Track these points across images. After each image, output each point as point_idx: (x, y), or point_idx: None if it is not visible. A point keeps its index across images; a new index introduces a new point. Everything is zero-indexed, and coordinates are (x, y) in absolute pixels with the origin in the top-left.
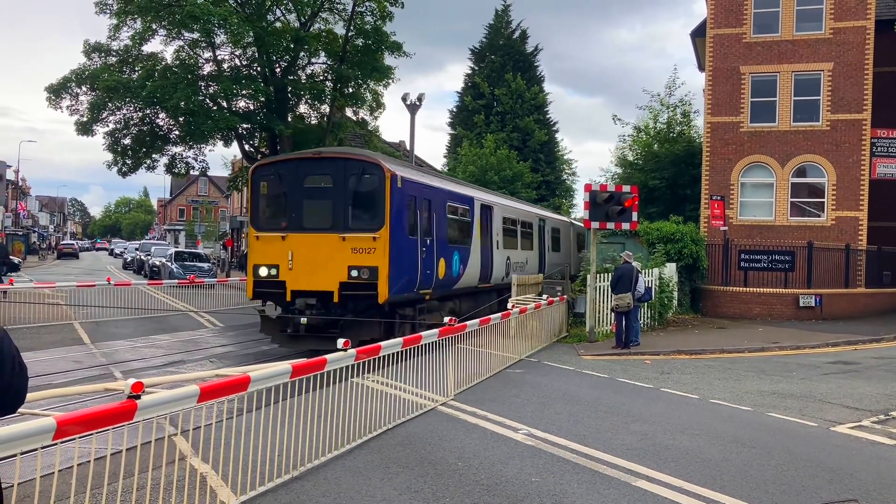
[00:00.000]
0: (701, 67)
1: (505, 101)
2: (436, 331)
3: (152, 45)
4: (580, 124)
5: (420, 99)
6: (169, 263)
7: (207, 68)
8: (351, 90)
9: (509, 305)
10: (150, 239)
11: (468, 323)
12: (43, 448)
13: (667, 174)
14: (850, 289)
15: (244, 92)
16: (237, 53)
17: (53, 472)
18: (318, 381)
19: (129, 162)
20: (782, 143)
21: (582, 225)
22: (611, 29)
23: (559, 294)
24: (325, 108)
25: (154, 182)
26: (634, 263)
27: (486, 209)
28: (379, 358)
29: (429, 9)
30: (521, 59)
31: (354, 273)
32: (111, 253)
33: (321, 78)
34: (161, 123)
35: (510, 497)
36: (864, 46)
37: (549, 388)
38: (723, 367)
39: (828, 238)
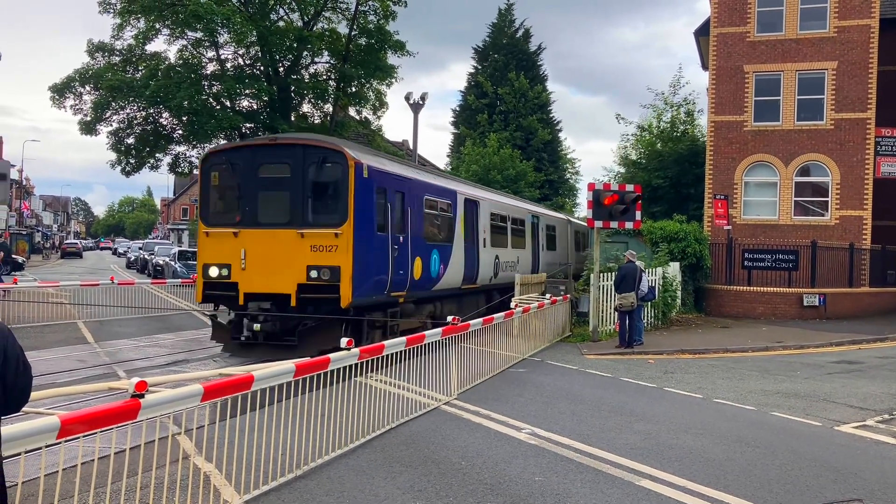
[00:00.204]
0: (704, 66)
1: (508, 100)
2: (439, 330)
3: (156, 45)
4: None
5: (423, 98)
6: (172, 263)
7: (211, 68)
8: (354, 89)
9: (512, 304)
10: (153, 238)
11: (471, 322)
12: (47, 447)
13: (670, 173)
14: (854, 288)
15: (247, 91)
16: (240, 53)
17: (57, 471)
18: (322, 380)
19: (132, 161)
20: (786, 142)
21: (581, 223)
22: (614, 28)
23: (562, 293)
24: (329, 108)
25: (157, 181)
26: (638, 263)
27: (471, 204)
28: (382, 357)
29: (432, 8)
30: (525, 58)
31: (314, 274)
32: (115, 252)
33: (324, 77)
34: (164, 123)
35: (513, 496)
36: (869, 45)
37: (552, 388)
38: (726, 367)
39: (832, 237)
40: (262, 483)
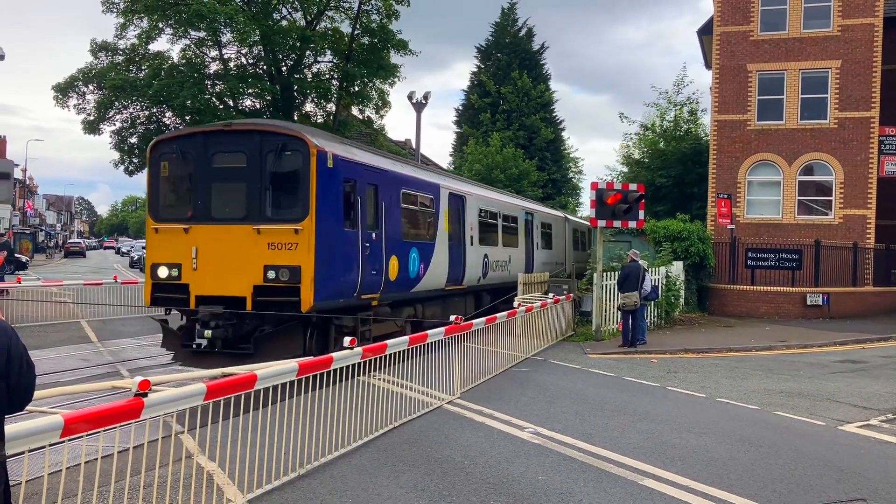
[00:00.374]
0: (708, 65)
1: (511, 99)
2: (442, 329)
3: (159, 44)
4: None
5: (426, 97)
6: None
7: (214, 67)
8: (357, 89)
9: (515, 304)
10: None
11: (474, 322)
12: (51, 445)
13: (673, 172)
14: (857, 287)
15: (250, 91)
16: (243, 52)
17: (61, 470)
18: (325, 379)
19: (135, 160)
20: (789, 141)
21: (580, 221)
22: (617, 26)
23: (565, 292)
24: (331, 107)
25: None
26: (641, 262)
27: (457, 199)
28: (385, 356)
29: (435, 7)
30: (528, 57)
31: (271, 274)
32: (118, 252)
33: (327, 76)
34: (167, 122)
35: (517, 495)
36: (873, 44)
37: (555, 387)
38: (730, 366)
39: (835, 236)
40: (265, 482)
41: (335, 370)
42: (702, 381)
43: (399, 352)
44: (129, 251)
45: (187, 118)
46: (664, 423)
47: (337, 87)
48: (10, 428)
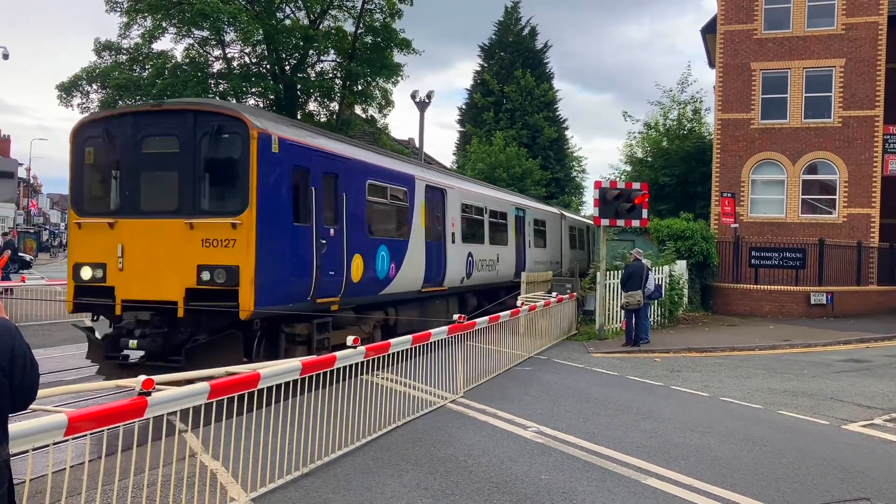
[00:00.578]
0: (711, 64)
1: (514, 98)
2: (445, 328)
3: (162, 43)
4: (589, 121)
5: (429, 96)
6: None
7: (217, 66)
8: (360, 88)
9: (518, 303)
10: None
11: (477, 321)
12: (55, 444)
13: (677, 171)
14: (861, 286)
15: (254, 90)
16: (247, 51)
17: (65, 468)
18: (327, 377)
19: None
20: (793, 140)
21: (577, 218)
22: (619, 25)
23: (569, 291)
24: (335, 106)
25: None
26: (644, 261)
27: (436, 192)
28: (388, 355)
29: (438, 6)
30: (531, 56)
31: (206, 276)
32: None
33: (330, 75)
34: None
35: (520, 494)
36: (877, 42)
37: (558, 386)
38: (733, 365)
39: (839, 235)
40: (269, 481)
41: (338, 369)
42: (705, 381)
43: (402, 351)
44: None
45: None
46: (667, 423)
47: (340, 86)
48: (13, 426)
